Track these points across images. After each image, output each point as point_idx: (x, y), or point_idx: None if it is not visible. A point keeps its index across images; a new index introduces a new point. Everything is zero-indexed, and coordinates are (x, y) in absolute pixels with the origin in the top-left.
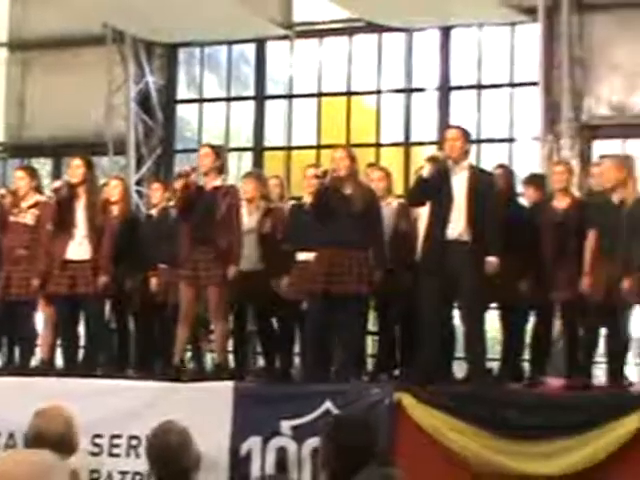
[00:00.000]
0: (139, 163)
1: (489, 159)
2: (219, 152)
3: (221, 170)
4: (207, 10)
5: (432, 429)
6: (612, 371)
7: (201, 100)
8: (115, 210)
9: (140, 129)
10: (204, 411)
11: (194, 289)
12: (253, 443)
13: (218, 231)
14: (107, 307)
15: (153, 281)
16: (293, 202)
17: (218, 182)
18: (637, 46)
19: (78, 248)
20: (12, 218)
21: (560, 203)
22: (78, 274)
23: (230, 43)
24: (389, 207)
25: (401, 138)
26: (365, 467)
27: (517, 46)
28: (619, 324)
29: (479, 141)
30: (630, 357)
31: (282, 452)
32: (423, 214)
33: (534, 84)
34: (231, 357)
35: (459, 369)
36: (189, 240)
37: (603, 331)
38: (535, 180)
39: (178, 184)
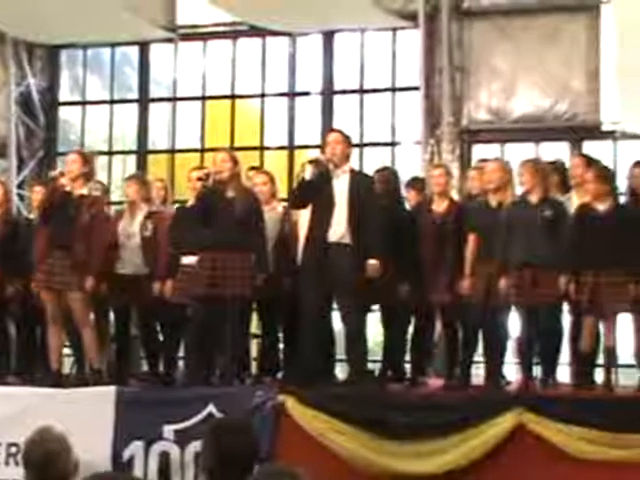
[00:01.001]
0: (21, 166)
1: (372, 163)
2: (87, 159)
3: (89, 177)
4: (90, 12)
5: (315, 431)
6: (490, 371)
7: (84, 102)
8: None
9: (22, 131)
10: (85, 417)
11: (53, 293)
12: (135, 448)
13: (77, 239)
14: None
15: (34, 285)
16: (177, 205)
17: (85, 190)
18: (515, 52)
19: None
20: None
21: (439, 206)
22: None
23: (113, 45)
24: (274, 211)
25: (285, 141)
26: (248, 472)
27: (399, 51)
28: (497, 324)
29: (362, 145)
30: (508, 357)
31: (165, 456)
32: (304, 217)
33: (415, 89)
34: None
35: (341, 370)
36: (46, 244)
37: (482, 332)
38: (415, 183)
39: (46, 188)
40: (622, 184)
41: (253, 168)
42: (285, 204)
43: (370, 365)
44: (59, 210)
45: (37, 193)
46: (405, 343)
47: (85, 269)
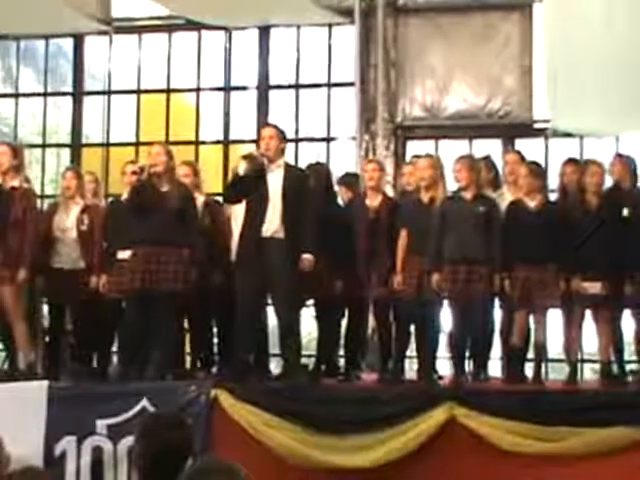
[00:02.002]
0: None
1: (307, 158)
2: (17, 151)
3: (19, 169)
4: (24, 3)
5: (248, 425)
6: (423, 365)
7: (17, 95)
8: None
9: None
10: (17, 412)
11: None
12: (68, 443)
13: (10, 232)
14: None
15: None
16: (111, 199)
17: (16, 182)
18: (450, 50)
19: None
20: None
21: (372, 201)
22: None
23: (47, 37)
24: (197, 203)
25: (220, 136)
26: (181, 467)
27: (334, 47)
28: (430, 319)
29: (297, 140)
30: (441, 351)
31: (97, 451)
32: (238, 212)
33: (351, 84)
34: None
35: (276, 365)
36: None
37: (414, 327)
38: (348, 179)
39: None
40: (552, 181)
41: (183, 162)
42: (207, 198)
43: (304, 360)
44: None
45: None
46: (339, 337)
47: (17, 262)
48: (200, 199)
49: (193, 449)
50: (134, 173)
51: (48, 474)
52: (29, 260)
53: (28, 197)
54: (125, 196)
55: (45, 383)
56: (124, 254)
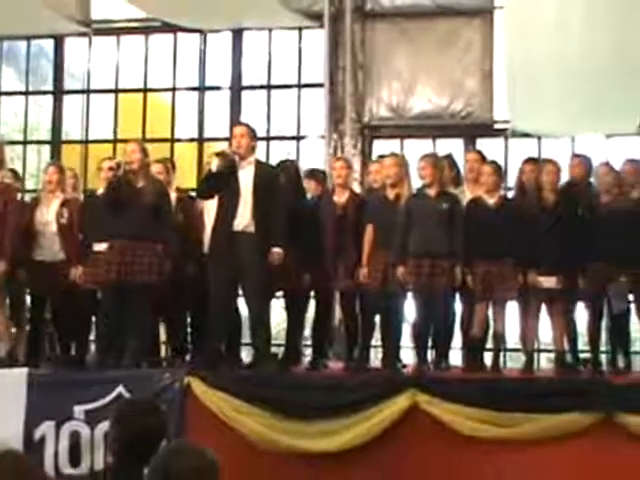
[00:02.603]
0: None
1: (278, 155)
2: None
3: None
4: (6, 4)
5: (220, 411)
6: (387, 354)
7: None
8: None
9: None
10: None
11: None
12: (47, 428)
13: None
14: None
15: None
16: (88, 193)
17: None
18: (415, 53)
19: None
20: None
21: (340, 197)
22: None
23: (29, 38)
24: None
25: (195, 134)
26: (154, 451)
27: (304, 50)
28: (394, 310)
29: (269, 138)
30: (404, 341)
31: (75, 436)
32: (210, 206)
33: (320, 85)
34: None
35: (247, 354)
36: None
37: (379, 317)
38: (315, 174)
39: None
40: (511, 179)
41: (156, 160)
42: (188, 192)
43: (274, 349)
44: None
45: None
46: (305, 327)
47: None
48: (172, 195)
49: (167, 434)
50: (110, 169)
51: (27, 457)
52: (10, 252)
53: (9, 191)
54: (101, 191)
55: (25, 370)
56: (100, 247)
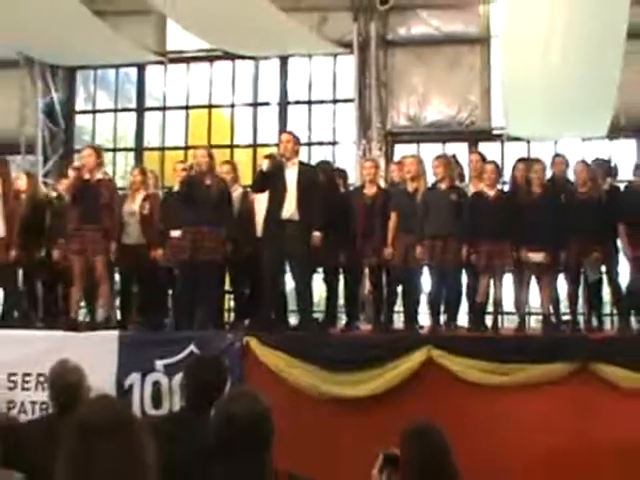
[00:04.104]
0: (45, 161)
1: (318, 158)
2: (99, 152)
3: (101, 165)
4: (99, 41)
5: (273, 365)
6: (407, 317)
7: (94, 111)
8: (24, 197)
9: (46, 134)
10: (96, 354)
11: (83, 259)
12: (134, 378)
13: (103, 214)
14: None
15: (55, 253)
16: (165, 190)
17: (100, 175)
18: (427, 73)
19: None
20: None
21: (369, 191)
22: None
23: (117, 66)
24: (235, 193)
25: (250, 141)
26: (217, 396)
27: (338, 72)
28: (413, 282)
29: (310, 144)
30: (421, 307)
31: (157, 385)
32: (262, 199)
33: (351, 101)
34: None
35: (293, 318)
36: (77, 219)
37: (401, 288)
38: (340, 173)
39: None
40: (506, 176)
41: (223, 162)
42: (243, 189)
43: (315, 314)
44: (84, 194)
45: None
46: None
47: (111, 235)
48: (239, 190)
49: (225, 384)
50: (184, 170)
51: (120, 399)
52: (118, 234)
53: (112, 186)
54: (176, 188)
55: (116, 332)
56: (175, 233)
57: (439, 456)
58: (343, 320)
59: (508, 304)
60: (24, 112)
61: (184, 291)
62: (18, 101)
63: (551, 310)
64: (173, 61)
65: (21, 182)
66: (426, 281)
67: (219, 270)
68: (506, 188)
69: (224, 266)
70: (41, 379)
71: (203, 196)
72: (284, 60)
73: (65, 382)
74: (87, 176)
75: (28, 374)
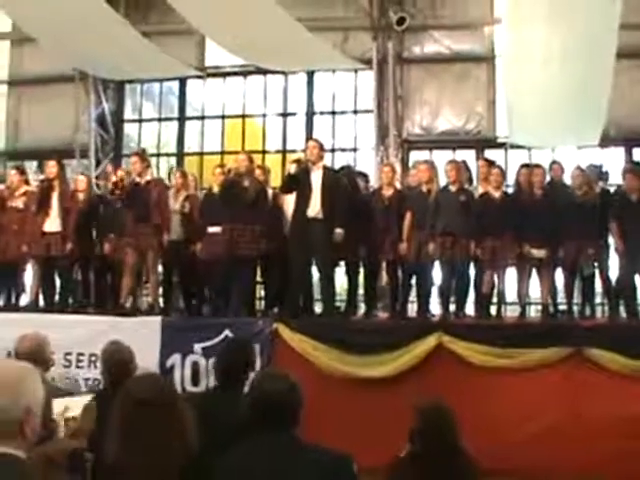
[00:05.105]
0: (97, 164)
1: (340, 162)
2: (143, 156)
3: (148, 168)
4: (145, 58)
5: (300, 349)
6: (420, 306)
7: (141, 120)
8: (81, 197)
9: (98, 140)
10: (142, 337)
11: (136, 253)
12: (175, 359)
13: (153, 211)
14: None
15: (106, 246)
16: (205, 191)
17: (149, 177)
18: (439, 87)
19: (52, 223)
20: (8, 203)
21: (387, 192)
22: (52, 242)
23: (161, 80)
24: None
25: (280, 147)
26: (242, 375)
27: (359, 86)
28: (425, 275)
29: (333, 150)
30: (432, 297)
31: (195, 365)
32: (289, 199)
33: (370, 111)
34: (161, 299)
35: (318, 307)
36: (132, 219)
37: (415, 279)
38: (364, 177)
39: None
40: (510, 179)
41: (257, 166)
42: (275, 189)
43: (337, 303)
44: (135, 196)
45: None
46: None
47: (161, 230)
48: (269, 191)
49: (252, 364)
50: (222, 173)
51: (164, 378)
52: (170, 228)
53: (161, 184)
54: (216, 189)
55: (159, 318)
56: (213, 229)
57: (446, 429)
58: (363, 309)
59: (511, 295)
60: (78, 121)
61: (220, 282)
62: (73, 111)
63: (549, 300)
64: (211, 75)
65: (80, 183)
66: (437, 274)
67: (252, 263)
68: (510, 190)
69: (257, 260)
70: (93, 358)
71: (240, 196)
72: (310, 75)
73: (116, 359)
74: (137, 179)
75: (81, 354)
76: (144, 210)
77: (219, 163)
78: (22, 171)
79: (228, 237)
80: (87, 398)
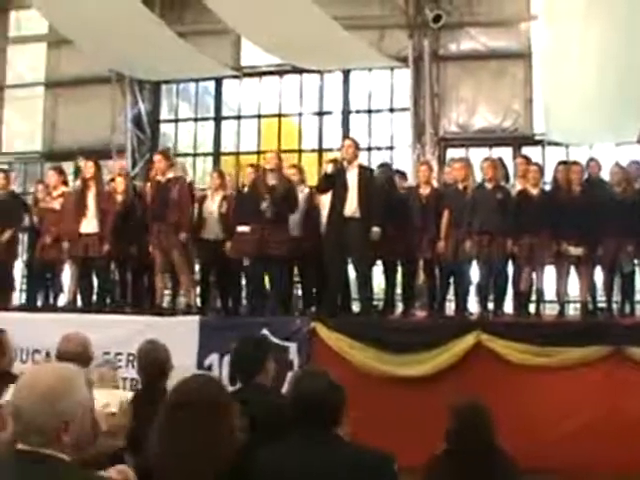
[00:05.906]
0: (134, 164)
1: (377, 161)
2: (167, 155)
3: (171, 166)
4: (182, 58)
5: (337, 347)
6: (458, 305)
7: (177, 120)
8: (119, 198)
9: (134, 141)
10: (179, 336)
11: (162, 252)
12: (213, 359)
13: (170, 210)
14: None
15: (143, 247)
16: (235, 191)
17: (171, 174)
18: (475, 85)
19: (89, 224)
20: (44, 204)
21: (424, 190)
22: (89, 243)
23: (197, 80)
24: (302, 194)
25: (316, 146)
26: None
27: (395, 84)
28: (463, 273)
29: (370, 148)
30: (471, 295)
31: None
32: (325, 199)
33: (407, 110)
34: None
35: (356, 306)
36: (151, 218)
37: (452, 278)
38: (402, 175)
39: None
40: (547, 176)
41: (290, 165)
42: (308, 189)
43: (375, 302)
44: (157, 193)
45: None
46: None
47: (179, 228)
48: (305, 190)
49: (263, 361)
50: (254, 172)
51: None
52: (188, 226)
53: (182, 182)
54: (245, 189)
55: (197, 317)
56: (242, 228)
57: (482, 428)
58: (400, 307)
59: (550, 293)
60: (115, 122)
61: (254, 281)
62: (110, 112)
63: (588, 298)
64: (247, 75)
65: (118, 185)
66: (475, 272)
67: (286, 263)
68: (547, 187)
69: (291, 259)
70: (130, 358)
71: (269, 195)
72: (346, 73)
73: (152, 358)
74: (159, 178)
75: (119, 353)
76: (161, 208)
77: (253, 162)
78: (61, 171)
79: (258, 236)
80: (126, 394)
